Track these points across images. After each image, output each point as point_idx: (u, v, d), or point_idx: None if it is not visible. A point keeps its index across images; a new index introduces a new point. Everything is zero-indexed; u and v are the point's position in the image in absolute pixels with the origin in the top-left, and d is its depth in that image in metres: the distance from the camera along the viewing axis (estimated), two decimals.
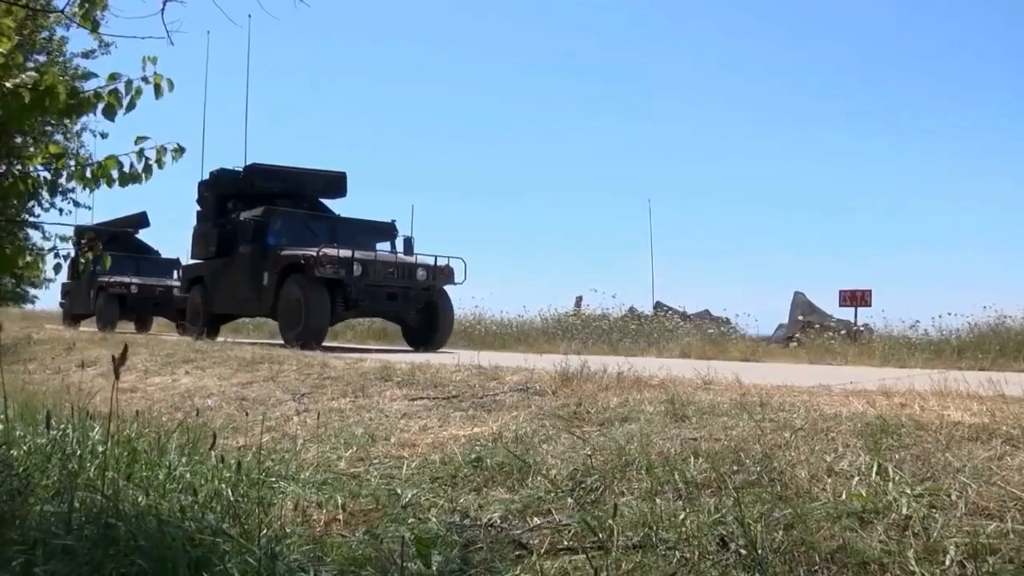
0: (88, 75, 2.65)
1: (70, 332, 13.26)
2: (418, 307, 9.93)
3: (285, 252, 9.83)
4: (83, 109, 2.59)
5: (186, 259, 18.88)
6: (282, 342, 9.68)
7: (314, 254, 9.18)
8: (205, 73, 14.42)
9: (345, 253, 9.26)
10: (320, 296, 9.20)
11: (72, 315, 18.39)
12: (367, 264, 9.46)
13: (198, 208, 12.20)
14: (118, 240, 17.70)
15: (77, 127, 12.26)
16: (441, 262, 10.03)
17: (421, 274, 9.87)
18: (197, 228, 12.04)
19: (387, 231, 11.06)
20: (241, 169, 11.64)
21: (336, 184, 12.00)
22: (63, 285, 19.03)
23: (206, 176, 12.35)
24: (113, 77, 2.57)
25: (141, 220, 18.81)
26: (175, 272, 18.26)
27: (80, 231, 13.94)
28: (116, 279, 16.52)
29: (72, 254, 3.42)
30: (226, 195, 11.72)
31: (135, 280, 17.00)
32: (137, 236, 19.03)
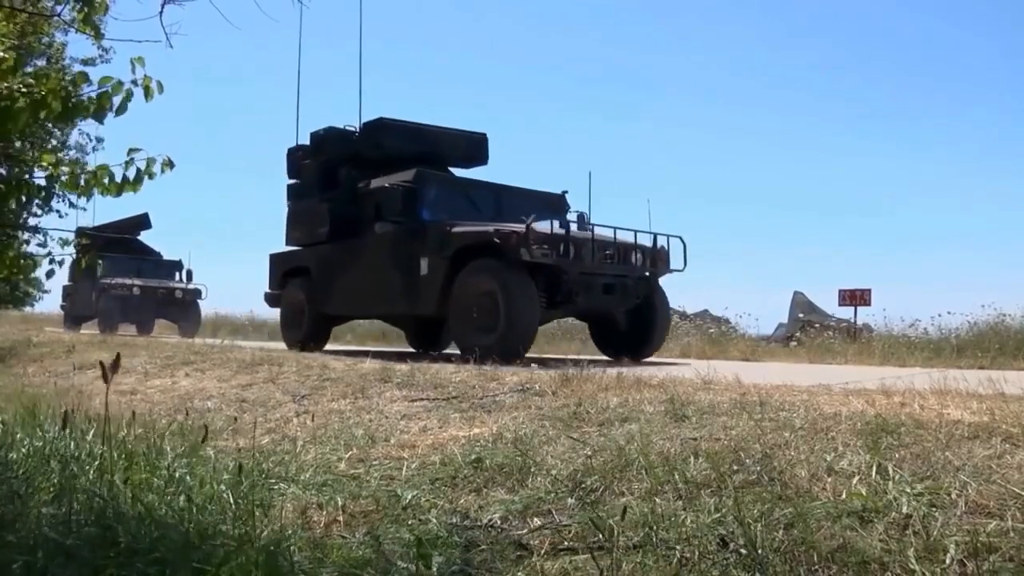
0: (84, 78, 2.66)
1: (69, 335, 13.21)
2: (637, 302, 7.52)
3: (459, 229, 7.24)
4: (78, 113, 2.61)
5: (183, 262, 18.35)
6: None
7: (515, 230, 6.72)
8: (299, 36, 10.83)
9: (551, 229, 6.82)
10: (527, 288, 6.70)
11: (73, 318, 18.08)
12: (581, 245, 6.97)
13: (291, 182, 9.68)
14: (120, 242, 17.36)
15: (74, 135, 12.27)
16: (649, 240, 7.54)
17: (637, 259, 7.48)
18: (294, 206, 9.44)
19: (558, 205, 8.48)
20: (355, 128, 9.14)
21: (477, 148, 9.51)
22: (64, 288, 18.72)
23: (300, 142, 9.77)
24: (105, 81, 2.59)
25: (143, 222, 18.56)
26: (177, 274, 18.12)
27: (80, 234, 13.87)
28: (118, 281, 16.34)
29: (71, 257, 3.41)
30: (337, 161, 9.04)
31: (137, 282, 16.71)
32: (139, 238, 18.80)
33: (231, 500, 2.38)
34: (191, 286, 17.62)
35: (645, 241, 7.45)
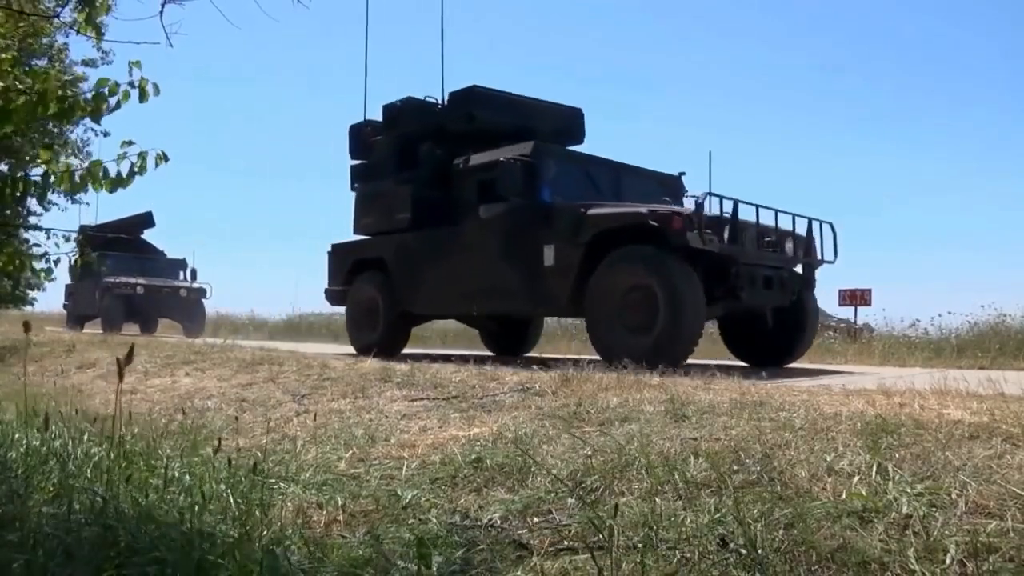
0: (81, 78, 2.67)
1: (70, 334, 13.20)
2: (792, 299, 6.46)
3: (598, 211, 6.14)
4: (74, 113, 2.62)
5: (187, 261, 17.85)
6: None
7: (676, 211, 5.78)
8: (366, 8, 10.00)
9: (696, 212, 5.72)
10: (691, 282, 5.60)
11: (76, 317, 17.77)
12: (743, 230, 5.95)
13: (356, 163, 8.61)
14: (123, 240, 16.93)
15: (76, 131, 12.28)
16: (802, 227, 6.50)
17: (791, 248, 6.44)
18: (364, 189, 8.29)
19: (674, 188, 7.51)
20: (437, 100, 8.06)
21: (573, 123, 8.30)
22: (67, 287, 18.27)
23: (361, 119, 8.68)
24: (102, 82, 2.60)
25: (147, 220, 18.10)
26: (181, 273, 17.70)
27: (83, 232, 13.66)
28: (122, 279, 16.02)
29: (69, 256, 3.41)
30: (417, 136, 7.92)
31: (141, 281, 16.37)
32: (142, 236, 18.32)
33: (231, 499, 2.38)
34: (195, 285, 17.27)
35: (797, 228, 6.46)
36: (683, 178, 7.67)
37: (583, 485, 2.44)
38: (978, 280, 28.98)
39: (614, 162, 7.25)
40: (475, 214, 7.02)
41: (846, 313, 12.32)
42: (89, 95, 2.61)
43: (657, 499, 2.23)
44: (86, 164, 2.76)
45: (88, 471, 2.57)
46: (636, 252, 5.81)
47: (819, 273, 6.81)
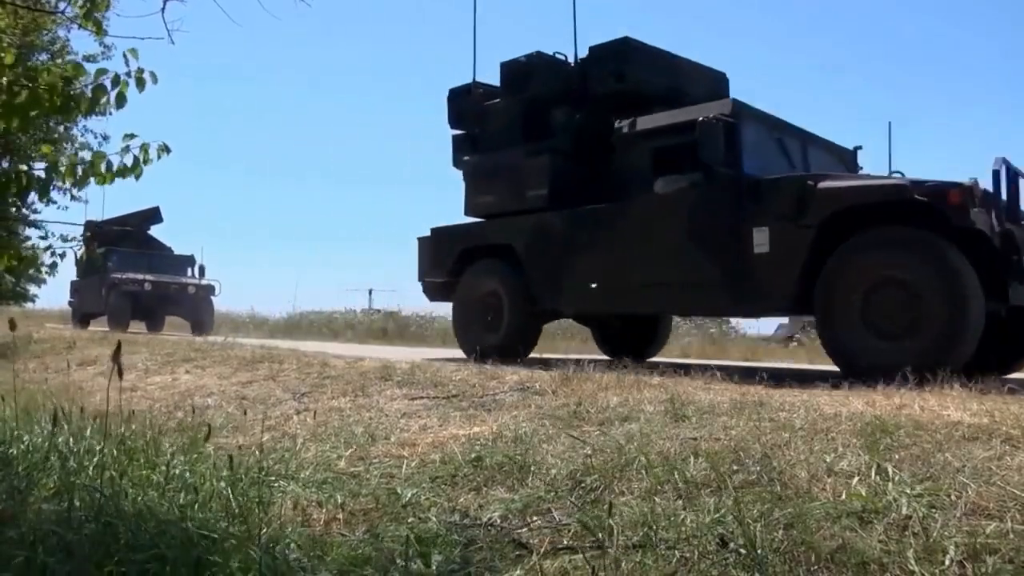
0: (81, 71, 2.66)
1: (71, 331, 13.14)
2: None
3: (831, 184, 5.00)
4: (78, 107, 2.61)
5: (200, 257, 17.46)
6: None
7: (954, 184, 4.52)
8: None
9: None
10: (969, 274, 4.45)
11: (82, 314, 17.22)
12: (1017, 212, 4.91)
13: (459, 133, 7.60)
14: (130, 236, 16.62)
15: (77, 128, 12.27)
16: None
17: None
18: (482, 163, 7.15)
19: (849, 162, 6.60)
20: (565, 57, 7.01)
21: (722, 89, 7.08)
22: (72, 283, 17.81)
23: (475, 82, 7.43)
24: (101, 74, 2.59)
25: (154, 215, 17.61)
26: (189, 269, 17.13)
27: (89, 227, 13.30)
28: (128, 276, 15.52)
29: (75, 251, 3.40)
30: (548, 99, 6.83)
31: (148, 277, 15.73)
32: (149, 232, 17.81)
33: (231, 497, 2.38)
34: (204, 282, 16.66)
35: None
36: (858, 153, 6.78)
37: (583, 485, 2.44)
38: None
39: (802, 130, 6.21)
40: (648, 189, 5.85)
41: None
42: (88, 88, 2.61)
43: (657, 499, 2.23)
44: (88, 157, 2.75)
45: (89, 468, 2.57)
46: (896, 235, 4.67)
47: None
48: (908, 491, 2.03)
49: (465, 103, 7.45)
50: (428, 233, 7.55)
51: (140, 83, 2.62)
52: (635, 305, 6.25)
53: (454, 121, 7.61)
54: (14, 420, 3.20)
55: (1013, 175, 4.86)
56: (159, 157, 2.75)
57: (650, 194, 5.83)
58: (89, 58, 11.71)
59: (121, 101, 2.62)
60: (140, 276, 15.69)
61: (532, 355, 6.67)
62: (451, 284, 7.22)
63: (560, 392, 3.78)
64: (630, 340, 7.62)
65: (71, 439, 2.94)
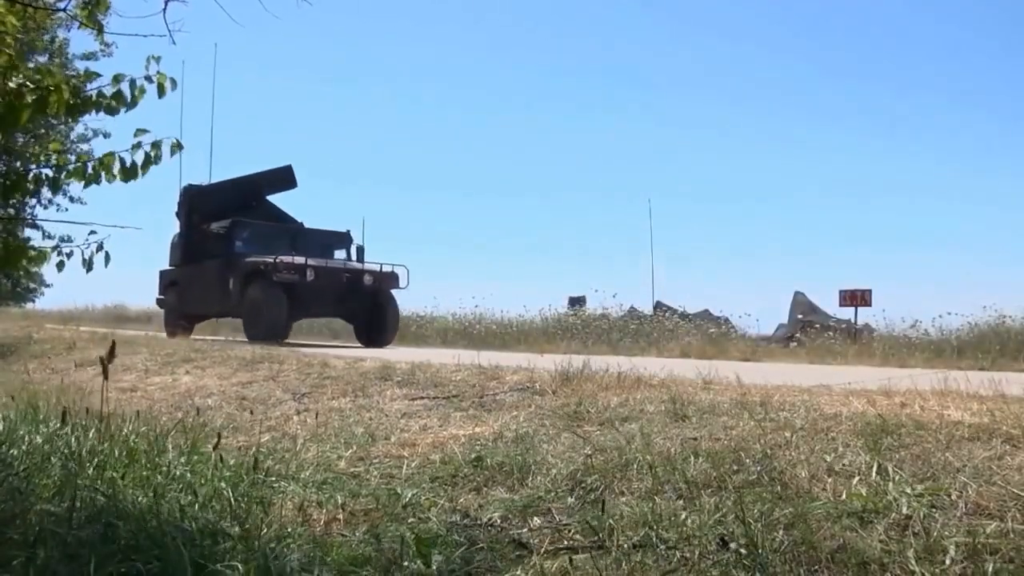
0: (92, 75, 2.65)
1: (70, 332, 11.54)
2: None
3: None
4: (86, 109, 2.59)
5: (361, 235, 13.83)
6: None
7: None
8: None
9: None
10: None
11: (185, 316, 12.22)
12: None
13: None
14: (247, 205, 11.88)
15: (78, 129, 12.26)
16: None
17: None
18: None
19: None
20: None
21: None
22: (163, 273, 12.99)
23: None
24: (118, 79, 2.57)
25: (285, 177, 12.57)
26: (343, 252, 12.01)
27: (188, 192, 12.12)
28: (280, 259, 10.14)
29: (84, 251, 3.28)
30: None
31: (311, 262, 10.33)
32: (269, 200, 12.64)
33: (232, 498, 2.38)
34: (384, 268, 11.03)
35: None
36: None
37: (583, 484, 2.44)
38: (979, 281, 28.91)
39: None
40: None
41: (847, 314, 12.32)
42: (108, 90, 2.57)
43: (657, 499, 2.23)
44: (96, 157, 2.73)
45: (90, 469, 2.57)
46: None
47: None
48: (909, 491, 2.03)
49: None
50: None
51: (160, 89, 2.59)
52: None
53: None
54: (16, 420, 3.20)
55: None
56: (172, 154, 2.70)
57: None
58: (88, 56, 11.70)
59: (133, 104, 2.60)
60: (299, 259, 10.31)
61: (531, 354, 6.74)
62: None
63: (560, 392, 3.78)
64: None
65: (72, 440, 2.94)
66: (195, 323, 12.57)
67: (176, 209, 12.48)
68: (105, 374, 2.26)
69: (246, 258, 10.58)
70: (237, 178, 12.33)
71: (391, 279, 11.06)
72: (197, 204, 11.90)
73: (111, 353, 2.25)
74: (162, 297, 12.98)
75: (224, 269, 10.83)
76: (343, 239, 12.06)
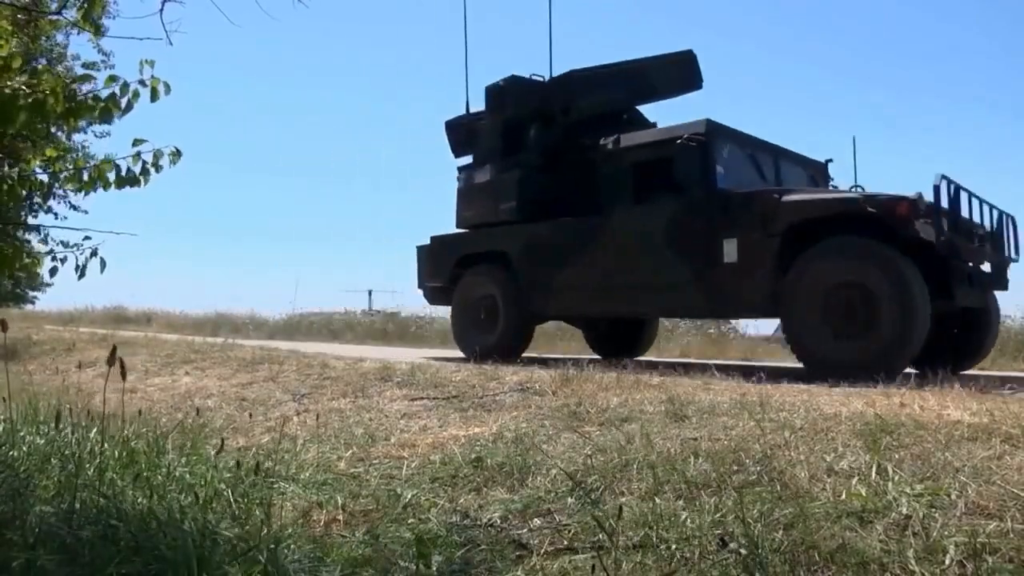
0: (85, 77, 2.64)
1: (69, 333, 12.35)
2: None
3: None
4: (81, 113, 2.58)
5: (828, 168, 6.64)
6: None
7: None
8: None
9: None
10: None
11: (533, 318, 7.06)
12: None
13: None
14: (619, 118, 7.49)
15: (76, 133, 12.26)
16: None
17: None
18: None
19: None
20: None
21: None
22: (447, 244, 7.79)
23: None
24: (111, 80, 2.56)
25: (685, 70, 7.67)
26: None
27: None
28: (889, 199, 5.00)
29: (78, 257, 3.26)
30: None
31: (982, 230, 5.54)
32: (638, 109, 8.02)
33: (232, 499, 2.38)
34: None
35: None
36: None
37: (583, 485, 2.44)
38: None
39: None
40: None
41: None
42: (99, 93, 2.56)
43: (657, 499, 2.23)
44: (90, 162, 2.72)
45: (90, 470, 2.57)
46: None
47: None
48: (908, 491, 2.04)
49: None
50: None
51: (154, 93, 2.57)
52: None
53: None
54: (16, 421, 3.21)
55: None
56: (172, 163, 2.69)
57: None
58: (89, 66, 11.74)
59: (128, 109, 2.59)
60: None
61: (530, 355, 6.71)
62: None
63: (560, 392, 3.79)
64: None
65: (73, 440, 2.94)
66: (539, 322, 7.45)
67: (485, 113, 7.59)
68: (123, 375, 2.25)
69: (782, 198, 5.52)
70: (620, 64, 7.60)
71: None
72: (562, 96, 7.28)
73: (112, 355, 2.25)
74: (447, 287, 7.71)
75: (705, 220, 5.81)
76: (822, 169, 7.16)
